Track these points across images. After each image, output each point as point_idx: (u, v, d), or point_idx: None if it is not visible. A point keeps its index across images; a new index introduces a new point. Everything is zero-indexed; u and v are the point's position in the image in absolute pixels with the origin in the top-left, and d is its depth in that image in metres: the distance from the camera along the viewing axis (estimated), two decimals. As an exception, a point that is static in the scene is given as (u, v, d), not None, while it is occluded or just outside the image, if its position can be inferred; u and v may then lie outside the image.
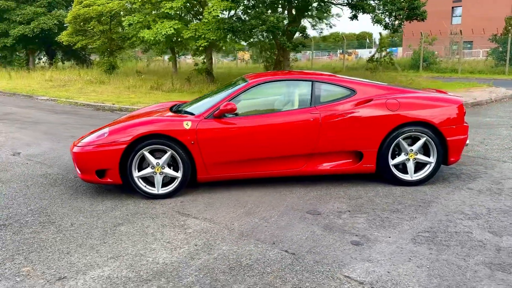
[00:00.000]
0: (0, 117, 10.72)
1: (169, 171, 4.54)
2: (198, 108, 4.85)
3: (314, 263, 3.14)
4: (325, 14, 19.27)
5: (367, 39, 59.56)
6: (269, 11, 16.17)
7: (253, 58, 34.69)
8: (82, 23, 22.63)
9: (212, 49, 19.01)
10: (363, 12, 15.27)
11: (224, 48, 19.40)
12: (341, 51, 42.06)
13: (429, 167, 4.77)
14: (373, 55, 21.25)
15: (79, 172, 4.65)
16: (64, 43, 23.83)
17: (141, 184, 4.54)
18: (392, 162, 4.74)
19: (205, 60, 19.08)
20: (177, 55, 22.34)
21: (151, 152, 4.52)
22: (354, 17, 16.35)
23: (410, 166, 4.76)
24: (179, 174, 4.55)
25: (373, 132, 4.64)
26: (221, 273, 3.03)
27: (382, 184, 4.86)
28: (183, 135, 4.46)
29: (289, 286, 2.85)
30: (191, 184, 4.75)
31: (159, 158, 4.51)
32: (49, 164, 6.05)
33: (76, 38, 23.55)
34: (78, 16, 22.48)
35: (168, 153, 4.48)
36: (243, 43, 17.77)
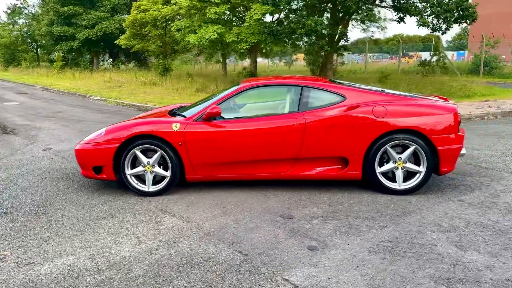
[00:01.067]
0: (49, 115, 11.63)
1: (159, 170, 4.79)
2: (192, 111, 5.06)
3: (261, 265, 3.22)
4: (371, 17, 18.85)
5: (433, 41, 57.31)
6: (316, 16, 16.11)
7: (306, 61, 34.61)
8: (138, 27, 23.83)
9: (256, 52, 19.28)
10: (409, 15, 14.80)
11: (264, 51, 19.56)
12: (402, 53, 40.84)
13: (419, 176, 4.65)
14: (425, 59, 20.47)
15: (80, 168, 5.03)
16: (122, 46, 25.18)
17: (133, 182, 4.82)
18: (379, 169, 4.67)
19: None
20: (235, 58, 22.76)
21: (144, 152, 4.79)
22: (401, 19, 15.89)
23: (399, 174, 4.66)
24: (168, 174, 4.78)
25: (358, 138, 4.59)
26: (169, 268, 3.20)
27: (371, 192, 4.79)
28: (171, 136, 4.69)
29: (226, 285, 2.96)
30: (185, 184, 4.97)
31: (151, 157, 4.77)
32: (70, 160, 6.53)
33: (133, 41, 24.85)
34: (135, 21, 23.73)
35: (158, 153, 4.73)
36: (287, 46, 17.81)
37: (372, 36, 23.17)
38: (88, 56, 33.60)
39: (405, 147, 4.63)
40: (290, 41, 16.19)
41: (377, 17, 19.06)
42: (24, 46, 40.69)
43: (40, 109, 13.17)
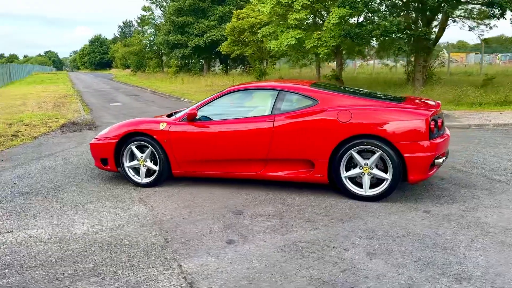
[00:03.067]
0: (136, 115, 13.13)
1: (150, 164, 5.38)
2: (182, 112, 5.55)
3: (172, 251, 3.57)
4: (471, 15, 17.28)
5: None
6: (397, 16, 15.48)
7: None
8: (237, 34, 25.15)
9: (341, 55, 19.06)
10: (503, 10, 13.42)
11: (344, 52, 19.16)
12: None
13: (386, 183, 4.50)
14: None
15: (94, 160, 5.86)
16: (223, 52, 26.79)
17: (130, 174, 5.49)
18: (345, 174, 4.64)
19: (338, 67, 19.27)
20: (317, 62, 22.79)
21: (141, 148, 5.42)
22: (501, 15, 14.45)
23: (366, 180, 4.57)
24: (157, 168, 5.34)
25: (321, 142, 4.62)
26: (97, 246, 3.71)
27: (340, 196, 4.77)
28: (158, 134, 5.24)
29: (128, 264, 3.37)
30: (185, 178, 5.49)
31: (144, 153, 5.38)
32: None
33: (232, 48, 26.29)
34: (234, 28, 25.10)
35: (149, 149, 5.32)
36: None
37: (480, 35, 21.16)
38: (200, 62, 36.29)
39: (374, 153, 4.53)
40: (368, 43, 15.74)
41: (477, 14, 17.38)
42: (150, 54, 45.44)
43: (134, 110, 14.88)
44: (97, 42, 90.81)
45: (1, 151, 8.04)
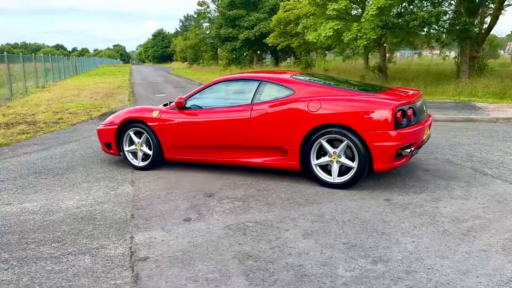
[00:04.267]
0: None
1: (145, 149, 5.82)
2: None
3: (132, 226, 3.95)
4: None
5: None
6: (439, 6, 14.92)
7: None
8: (283, 26, 25.26)
9: (385, 46, 18.60)
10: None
11: (385, 45, 18.59)
12: None
13: (352, 171, 4.60)
14: None
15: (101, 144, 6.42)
16: (269, 44, 27.01)
17: (129, 157, 5.97)
18: (315, 162, 4.79)
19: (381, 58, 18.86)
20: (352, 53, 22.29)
21: (139, 133, 5.88)
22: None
23: (335, 168, 4.70)
24: (151, 152, 5.77)
25: (292, 130, 4.80)
26: (72, 219, 4.17)
27: (311, 183, 4.92)
28: (151, 121, 5.66)
29: (88, 233, 3.80)
30: (185, 164, 5.91)
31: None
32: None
33: (279, 39, 26.43)
34: (281, 20, 25.23)
35: (144, 135, 5.77)
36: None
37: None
38: (249, 54, 36.77)
39: (342, 142, 4.64)
40: (409, 34, 15.27)
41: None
42: (205, 47, 46.66)
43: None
44: (160, 36, 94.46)
45: (39, 135, 8.90)
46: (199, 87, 5.75)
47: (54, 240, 3.70)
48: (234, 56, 35.13)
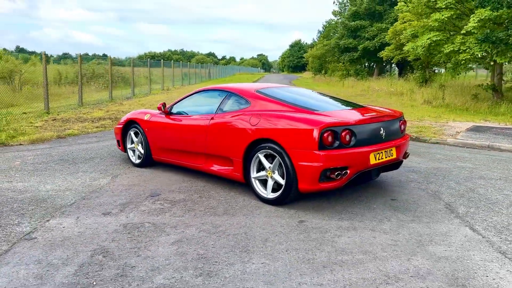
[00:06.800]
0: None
1: (140, 148, 6.40)
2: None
3: (60, 211, 4.49)
4: None
5: None
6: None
7: None
8: (398, 38, 24.02)
9: (500, 63, 16.45)
10: None
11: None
12: None
13: (281, 189, 4.48)
14: None
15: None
16: (383, 58, 25.91)
17: (130, 154, 6.62)
18: (254, 175, 4.77)
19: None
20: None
21: (136, 134, 6.49)
22: None
23: (270, 183, 4.63)
24: (143, 151, 6.33)
25: (235, 142, 4.86)
26: (47, 201, 4.90)
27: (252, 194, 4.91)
28: (143, 123, 6.21)
29: (30, 208, 4.44)
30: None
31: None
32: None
33: (395, 52, 25.20)
34: (397, 32, 24.08)
35: (140, 135, 6.35)
36: None
37: None
38: (368, 66, 35.60)
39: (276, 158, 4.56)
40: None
41: None
42: (330, 58, 46.54)
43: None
44: (296, 47, 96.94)
45: (107, 130, 10.23)
46: (183, 96, 6.11)
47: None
48: (351, 69, 34.33)
